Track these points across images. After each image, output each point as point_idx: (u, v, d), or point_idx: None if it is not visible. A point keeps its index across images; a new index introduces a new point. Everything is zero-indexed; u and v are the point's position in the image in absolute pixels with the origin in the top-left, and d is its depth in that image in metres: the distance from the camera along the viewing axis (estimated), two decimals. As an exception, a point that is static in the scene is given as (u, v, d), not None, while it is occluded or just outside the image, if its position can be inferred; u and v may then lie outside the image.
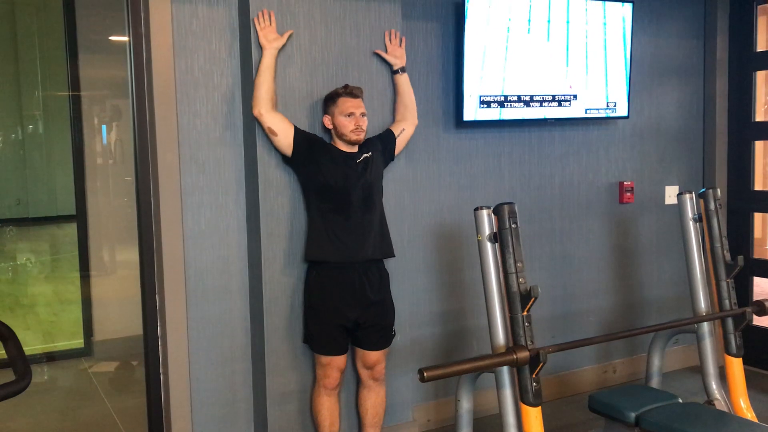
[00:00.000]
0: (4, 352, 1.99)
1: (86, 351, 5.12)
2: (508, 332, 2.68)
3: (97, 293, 5.13)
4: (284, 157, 3.13)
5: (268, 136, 3.08)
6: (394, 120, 3.40)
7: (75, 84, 4.95)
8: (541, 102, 3.93)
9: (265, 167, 3.15)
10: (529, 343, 2.60)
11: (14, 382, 1.81)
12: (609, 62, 4.10)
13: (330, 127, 3.15)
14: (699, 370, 3.43)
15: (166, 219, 3.12)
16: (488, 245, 2.69)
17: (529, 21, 3.83)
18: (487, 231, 2.69)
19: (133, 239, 3.28)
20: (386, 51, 3.37)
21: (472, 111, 3.73)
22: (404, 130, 3.35)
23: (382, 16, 3.37)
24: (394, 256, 3.22)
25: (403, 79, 3.39)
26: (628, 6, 4.09)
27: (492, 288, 2.70)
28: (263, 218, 3.15)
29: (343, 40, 3.29)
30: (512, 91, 3.84)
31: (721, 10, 4.61)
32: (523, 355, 2.56)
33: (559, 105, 3.99)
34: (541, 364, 2.56)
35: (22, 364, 1.88)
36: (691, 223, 3.39)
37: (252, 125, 3.13)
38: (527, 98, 3.89)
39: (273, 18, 3.10)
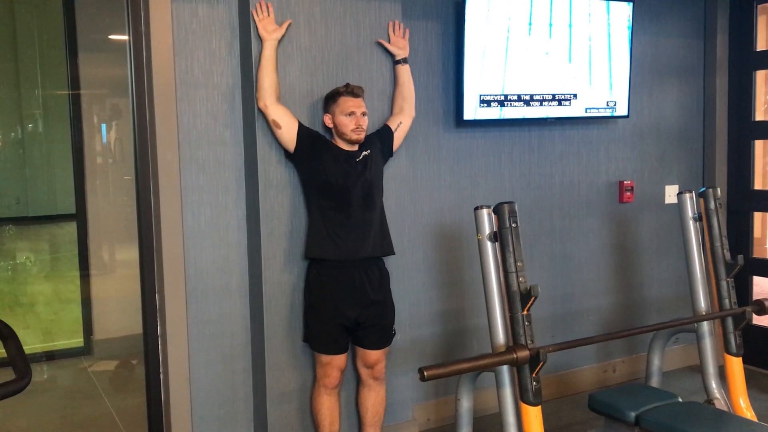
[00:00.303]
0: (4, 351, 1.99)
1: (86, 350, 5.12)
2: (508, 331, 2.68)
3: (97, 292, 5.13)
4: (286, 153, 3.13)
5: (271, 128, 3.08)
6: (391, 112, 3.39)
7: (75, 83, 4.95)
8: (541, 101, 3.93)
9: (265, 166, 3.15)
10: (529, 342, 2.60)
11: (14, 381, 1.81)
12: (609, 61, 4.10)
13: (330, 126, 3.15)
14: (699, 369, 3.43)
15: (166, 218, 3.12)
16: (488, 244, 2.69)
17: (530, 20, 3.83)
18: (487, 230, 2.69)
19: (132, 238, 3.28)
20: (389, 42, 3.37)
21: (472, 110, 3.73)
22: (401, 124, 3.34)
23: (382, 15, 3.37)
24: (394, 254, 3.22)
25: (404, 70, 3.38)
26: (628, 5, 4.08)
27: (492, 287, 2.70)
28: (263, 217, 3.15)
29: (344, 39, 3.29)
30: (512, 90, 3.84)
31: (721, 9, 4.61)
32: (523, 354, 2.56)
33: (560, 104, 3.98)
34: (541, 364, 2.56)
35: (21, 363, 1.88)
36: (691, 223, 3.39)
37: (252, 124, 3.13)
38: (527, 97, 3.89)
39: (271, 9, 3.10)
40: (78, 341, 5.17)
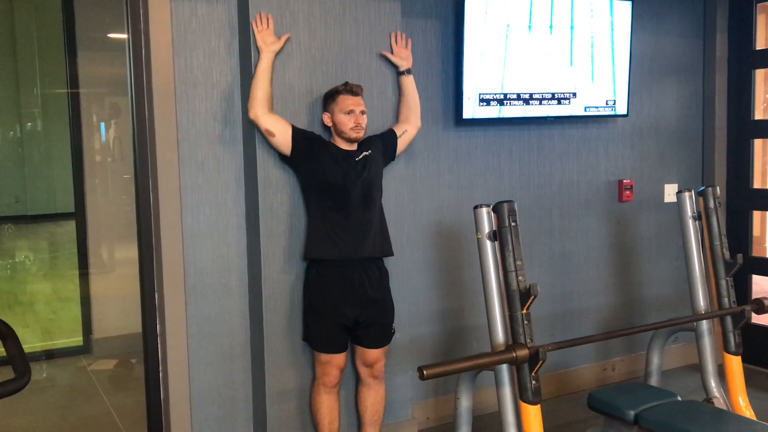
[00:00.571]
0: (3, 349, 1.99)
1: (85, 349, 5.12)
2: (507, 330, 2.68)
3: (96, 291, 5.13)
4: (282, 156, 3.13)
5: (265, 137, 3.08)
6: (397, 120, 3.39)
7: (74, 81, 4.95)
8: (540, 100, 3.93)
9: (264, 165, 3.15)
10: (528, 341, 2.60)
11: (13, 379, 1.81)
12: (608, 60, 4.10)
13: (329, 124, 3.14)
14: (698, 368, 3.43)
15: (165, 217, 3.12)
16: (488, 243, 2.69)
17: (529, 19, 3.83)
18: (486, 229, 2.69)
19: (132, 237, 3.28)
20: (392, 53, 3.37)
21: (471, 109, 3.73)
22: (406, 131, 3.35)
23: (381, 14, 3.37)
24: (392, 255, 3.22)
25: (409, 81, 3.39)
26: (628, 4, 4.08)
27: (491, 286, 2.70)
28: (262, 216, 3.15)
29: (343, 38, 3.29)
30: (512, 89, 3.84)
31: (721, 8, 4.61)
32: (523, 353, 2.56)
33: (559, 103, 3.99)
34: (541, 362, 2.56)
35: (21, 361, 1.88)
36: (690, 222, 3.39)
37: (251, 124, 3.12)
38: (527, 96, 3.89)
39: (271, 21, 3.10)
40: (77, 340, 5.17)
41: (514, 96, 3.85)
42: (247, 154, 3.22)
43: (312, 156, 3.07)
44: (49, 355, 5.16)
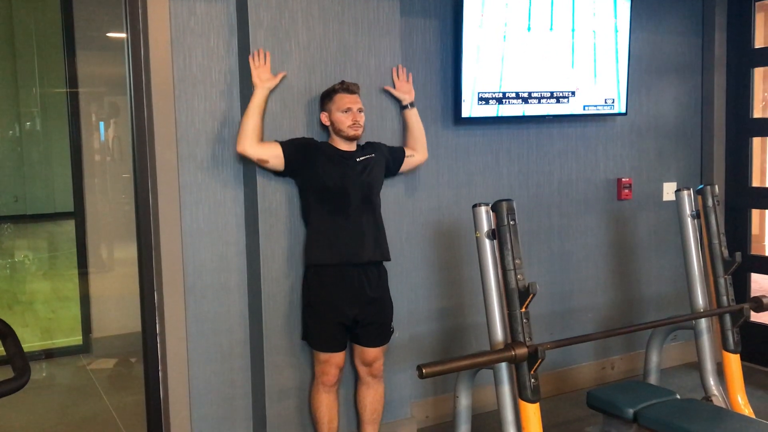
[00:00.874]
0: (2, 349, 2.00)
1: (85, 348, 5.12)
2: (506, 329, 2.68)
3: (96, 290, 5.13)
4: (276, 172, 3.12)
5: (259, 166, 3.08)
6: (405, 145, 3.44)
7: (73, 81, 4.95)
8: (539, 99, 3.93)
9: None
10: (527, 339, 2.60)
11: (13, 379, 1.81)
12: (607, 59, 4.10)
13: (327, 123, 3.14)
14: (697, 366, 3.43)
15: (164, 216, 3.12)
16: (486, 242, 2.69)
17: (528, 18, 3.83)
18: (485, 228, 2.69)
19: (131, 236, 3.28)
20: (394, 88, 3.39)
21: (470, 108, 3.73)
22: (414, 156, 3.40)
23: (380, 13, 3.37)
24: (390, 260, 3.22)
25: (413, 114, 3.41)
26: (627, 2, 4.09)
27: (490, 285, 2.71)
28: (262, 215, 3.15)
29: (342, 37, 3.29)
30: (510, 88, 3.84)
31: (719, 6, 4.61)
32: (522, 351, 2.57)
33: (558, 102, 3.99)
34: (540, 361, 2.56)
35: (20, 361, 1.88)
36: (689, 220, 3.39)
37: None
38: (525, 95, 3.89)
39: (268, 58, 3.10)
40: (77, 339, 5.18)
41: (513, 95, 3.85)
42: (246, 153, 3.22)
43: (307, 164, 3.07)
44: (49, 354, 5.16)
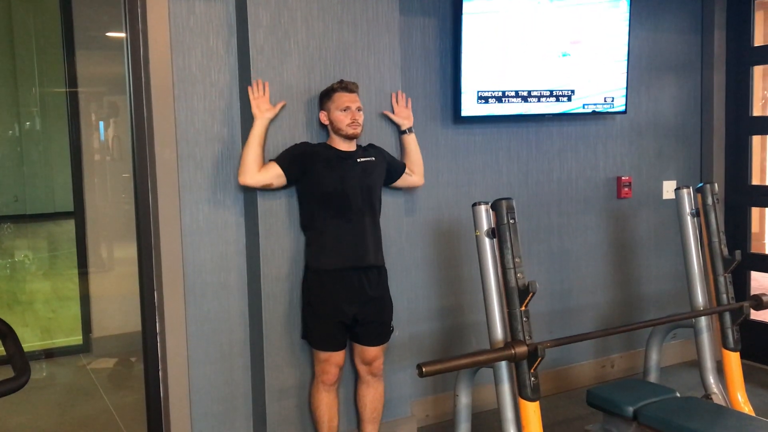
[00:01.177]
0: (2, 348, 2.00)
1: (85, 348, 5.13)
2: (506, 327, 2.69)
3: (96, 290, 5.13)
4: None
5: (264, 190, 3.10)
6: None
7: (72, 80, 4.95)
8: (538, 97, 3.93)
9: (263, 163, 3.15)
10: (527, 338, 2.60)
11: (13, 378, 1.81)
12: (607, 57, 4.10)
13: (326, 123, 3.14)
14: (697, 364, 3.43)
15: (164, 215, 3.12)
16: (486, 241, 2.69)
17: (528, 16, 3.82)
18: (485, 226, 2.69)
19: (131, 236, 3.28)
20: (393, 113, 3.39)
21: (470, 106, 3.73)
22: (412, 176, 3.40)
23: (380, 12, 3.37)
24: (383, 264, 3.22)
25: (411, 139, 3.41)
26: (626, 1, 4.08)
27: (490, 283, 2.71)
28: (261, 214, 3.15)
29: (341, 36, 3.29)
30: (510, 87, 3.84)
31: (719, 4, 4.61)
32: (521, 350, 2.57)
33: (557, 100, 3.99)
34: (539, 359, 2.56)
35: (20, 360, 1.88)
36: (688, 218, 3.39)
37: (249, 122, 3.12)
38: (525, 93, 3.89)
39: (267, 88, 3.10)
40: (77, 339, 5.18)
41: (513, 93, 3.85)
42: (245, 152, 3.22)
43: (305, 171, 3.06)
44: (49, 353, 5.16)
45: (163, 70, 3.07)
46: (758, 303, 3.33)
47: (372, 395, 3.26)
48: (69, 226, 5.34)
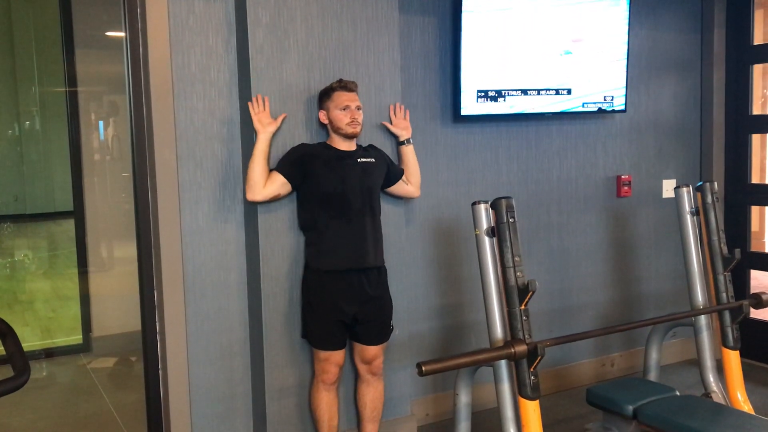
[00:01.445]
0: (2, 348, 2.00)
1: (85, 347, 5.13)
2: (506, 326, 2.69)
3: (96, 289, 5.14)
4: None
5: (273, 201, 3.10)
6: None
7: (72, 80, 4.95)
8: (538, 96, 3.92)
9: (262, 162, 3.14)
10: (526, 336, 2.60)
11: (13, 378, 1.81)
12: (607, 56, 4.09)
13: (326, 122, 3.14)
14: (696, 363, 3.44)
15: (163, 215, 3.12)
16: (486, 239, 2.69)
17: (527, 15, 3.82)
18: (484, 225, 2.69)
19: (131, 235, 3.28)
20: (391, 124, 3.38)
21: (469, 105, 3.73)
22: (408, 185, 3.38)
23: (379, 11, 3.37)
24: (383, 265, 3.22)
25: (409, 150, 3.41)
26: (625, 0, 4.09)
27: (490, 282, 2.71)
28: (261, 213, 3.15)
29: (341, 35, 3.29)
30: (510, 85, 3.84)
31: (718, 3, 4.61)
32: (521, 348, 2.57)
33: (557, 99, 3.98)
34: (539, 358, 2.57)
35: (20, 360, 1.88)
36: (688, 217, 3.39)
37: (249, 121, 3.12)
38: (524, 92, 3.89)
39: (267, 103, 3.10)
40: (77, 338, 5.18)
41: (512, 92, 3.85)
42: (245, 150, 3.22)
43: (305, 174, 3.06)
44: (49, 353, 5.16)
45: (162, 69, 3.07)
46: (758, 301, 3.33)
47: (372, 394, 3.26)
48: (69, 226, 5.34)
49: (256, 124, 3.06)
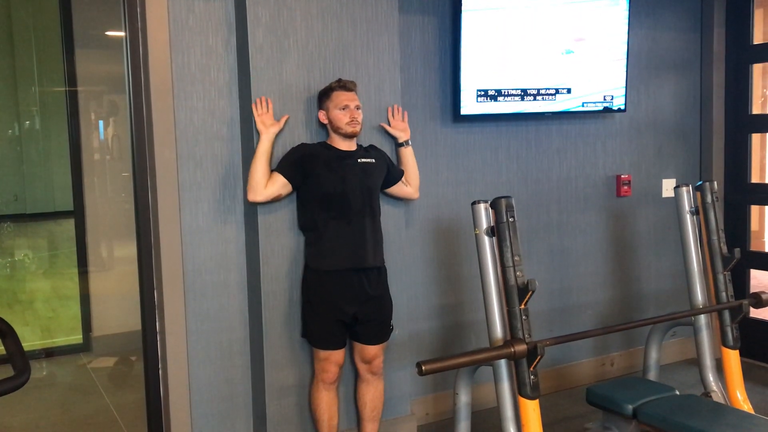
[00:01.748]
0: (2, 347, 2.00)
1: (85, 347, 5.13)
2: (505, 326, 2.69)
3: (96, 289, 5.14)
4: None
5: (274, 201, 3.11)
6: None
7: (72, 79, 4.95)
8: (537, 95, 3.93)
9: (262, 162, 3.14)
10: (526, 336, 2.61)
11: (13, 377, 1.81)
12: (606, 55, 4.10)
13: (325, 122, 3.14)
14: (696, 362, 3.44)
15: (163, 214, 3.12)
16: (486, 239, 2.70)
17: (527, 14, 3.82)
18: (484, 225, 2.70)
19: (131, 235, 3.28)
20: (390, 125, 3.38)
21: (469, 105, 3.74)
22: (407, 186, 3.37)
23: (379, 11, 3.37)
24: (383, 265, 3.22)
25: (408, 152, 3.40)
26: (625, -1, 4.09)
27: (489, 281, 2.71)
28: (261, 213, 3.15)
29: (340, 35, 3.29)
30: (509, 85, 3.84)
31: (718, 2, 4.61)
32: (521, 348, 2.57)
33: (556, 99, 3.99)
34: (539, 357, 2.57)
35: (20, 359, 1.88)
36: (688, 216, 3.40)
37: (249, 120, 3.13)
38: (524, 92, 3.89)
39: (270, 105, 3.10)
40: (77, 338, 5.18)
41: (512, 92, 3.85)
42: (245, 150, 3.22)
43: (306, 174, 3.06)
44: (49, 353, 5.17)
45: (162, 68, 3.07)
46: (757, 301, 3.33)
47: (372, 394, 3.26)
48: (69, 225, 5.34)
49: (259, 126, 3.06)
